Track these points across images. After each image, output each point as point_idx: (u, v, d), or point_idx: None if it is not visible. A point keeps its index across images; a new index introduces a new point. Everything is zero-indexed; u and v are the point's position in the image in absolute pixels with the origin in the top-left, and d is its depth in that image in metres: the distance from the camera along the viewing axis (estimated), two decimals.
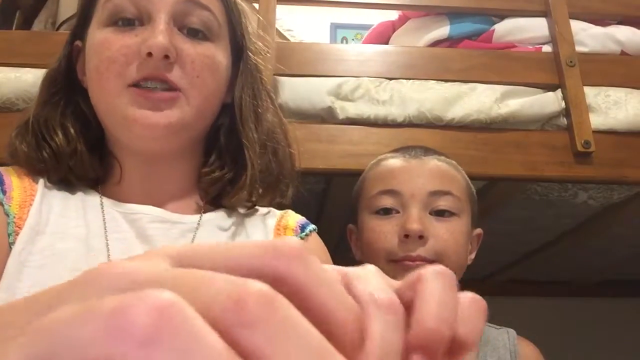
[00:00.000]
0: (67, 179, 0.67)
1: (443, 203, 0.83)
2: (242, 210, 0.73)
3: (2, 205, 0.61)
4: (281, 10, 1.27)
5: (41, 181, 0.66)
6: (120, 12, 0.63)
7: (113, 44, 0.62)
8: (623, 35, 1.29)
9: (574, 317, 2.42)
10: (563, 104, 1.18)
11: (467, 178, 0.92)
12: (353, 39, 2.05)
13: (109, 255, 0.62)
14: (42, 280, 0.57)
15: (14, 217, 0.60)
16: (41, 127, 0.67)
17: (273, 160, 0.73)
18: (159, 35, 0.61)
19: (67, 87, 0.70)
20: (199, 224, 0.68)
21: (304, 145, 1.11)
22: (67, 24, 1.25)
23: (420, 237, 0.80)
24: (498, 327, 0.91)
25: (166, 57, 0.61)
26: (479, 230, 0.93)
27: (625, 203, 1.37)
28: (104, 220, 0.64)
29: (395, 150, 0.93)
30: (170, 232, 0.65)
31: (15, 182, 0.64)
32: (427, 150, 0.90)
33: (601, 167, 1.14)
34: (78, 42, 0.70)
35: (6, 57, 1.12)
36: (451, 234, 0.82)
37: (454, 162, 0.91)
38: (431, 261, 0.80)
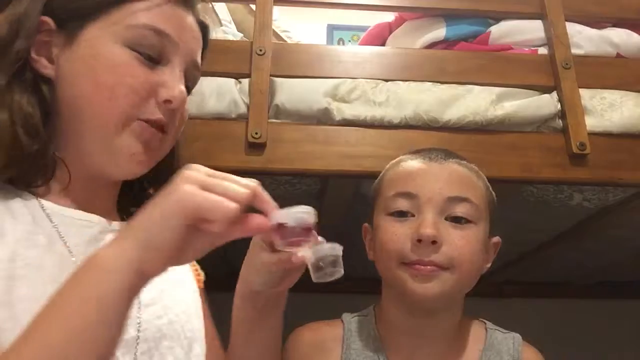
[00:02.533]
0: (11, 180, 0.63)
1: (460, 210, 0.81)
2: None
3: None
4: (278, 11, 1.27)
5: None
6: (148, 47, 0.65)
7: (138, 74, 0.64)
8: (618, 37, 1.29)
9: (569, 318, 2.42)
10: (559, 106, 1.18)
11: (488, 184, 0.89)
12: (350, 41, 2.06)
13: (73, 260, 0.61)
14: (30, 292, 0.56)
15: None
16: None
17: None
18: (180, 86, 0.66)
19: (16, 67, 0.64)
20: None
21: (301, 147, 1.12)
22: None
23: (434, 242, 0.78)
24: (505, 331, 0.89)
25: (180, 105, 0.67)
26: (496, 239, 0.90)
27: (620, 205, 1.38)
28: (55, 226, 0.63)
29: (417, 152, 0.89)
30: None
31: None
32: (449, 154, 0.87)
33: (596, 169, 1.15)
34: (47, 19, 0.66)
35: None
36: (467, 241, 0.80)
37: (475, 167, 0.88)
38: (443, 267, 0.79)
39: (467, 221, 0.81)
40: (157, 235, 0.50)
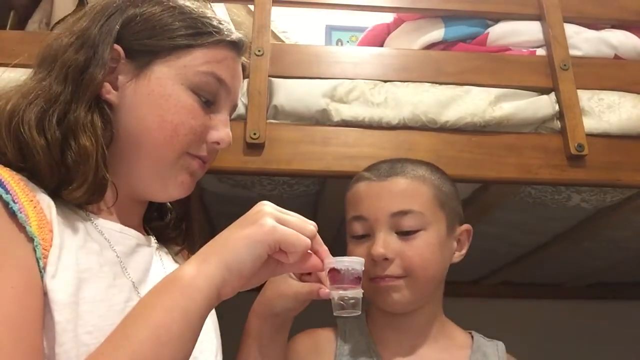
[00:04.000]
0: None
1: (406, 222, 0.89)
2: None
3: (25, 228, 0.55)
4: (276, 12, 1.27)
5: (40, 196, 0.61)
6: (207, 90, 0.71)
7: (198, 117, 0.71)
8: (616, 39, 1.29)
9: (566, 319, 2.43)
10: (557, 107, 1.18)
11: (438, 183, 0.94)
12: (348, 41, 2.05)
13: (124, 268, 0.66)
14: (92, 294, 0.59)
15: (40, 241, 0.56)
16: (71, 125, 0.64)
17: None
18: (228, 130, 0.74)
19: (91, 94, 0.67)
20: (158, 245, 0.78)
21: (299, 147, 1.12)
22: (61, 24, 1.24)
23: (386, 259, 0.87)
24: (489, 339, 0.96)
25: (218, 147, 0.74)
26: (465, 226, 0.97)
27: (618, 206, 1.38)
28: (106, 238, 0.66)
29: (369, 168, 0.97)
30: (149, 251, 0.73)
31: (21, 195, 0.58)
32: (393, 167, 0.93)
33: (594, 171, 1.15)
34: (119, 48, 0.69)
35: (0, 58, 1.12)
36: (415, 250, 0.88)
37: (420, 171, 0.93)
38: (400, 276, 0.88)
39: (415, 231, 0.89)
40: (242, 260, 0.55)
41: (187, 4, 0.73)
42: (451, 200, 0.95)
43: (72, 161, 0.63)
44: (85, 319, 0.55)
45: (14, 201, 0.55)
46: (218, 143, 0.73)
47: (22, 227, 0.55)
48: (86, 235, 0.63)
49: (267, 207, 0.59)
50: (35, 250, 0.55)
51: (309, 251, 0.63)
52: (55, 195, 0.63)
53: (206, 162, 0.75)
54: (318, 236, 0.62)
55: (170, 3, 0.71)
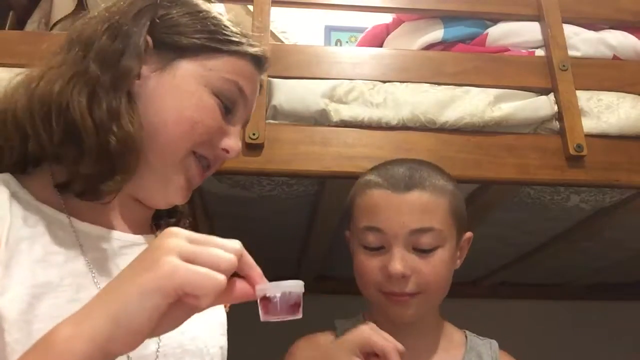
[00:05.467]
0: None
1: (425, 240, 0.87)
2: None
3: None
4: (275, 12, 1.27)
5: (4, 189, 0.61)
6: (229, 98, 0.71)
7: (217, 120, 0.70)
8: (615, 39, 1.30)
9: (565, 320, 2.43)
10: (555, 108, 1.18)
11: (453, 193, 0.92)
12: (347, 42, 2.05)
13: (94, 278, 0.62)
14: (48, 311, 0.56)
15: None
16: (114, 112, 0.63)
17: None
18: (239, 141, 0.73)
19: (119, 78, 0.66)
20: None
21: (298, 148, 1.12)
22: (60, 24, 1.24)
23: (403, 276, 0.86)
24: (482, 338, 0.96)
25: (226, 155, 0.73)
26: (468, 234, 0.95)
27: (617, 207, 1.38)
28: (78, 242, 0.63)
29: (380, 173, 0.93)
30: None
31: None
32: (411, 177, 0.90)
33: (593, 171, 1.15)
34: (149, 39, 0.68)
35: None
36: (433, 268, 0.87)
37: (439, 182, 0.91)
38: (415, 293, 0.87)
39: (434, 248, 0.88)
40: (133, 313, 0.45)
41: (217, 12, 0.74)
42: (462, 209, 0.94)
43: (114, 148, 0.62)
44: (36, 338, 0.48)
45: None
46: (227, 151, 0.72)
47: None
48: (50, 246, 0.60)
49: (170, 241, 0.47)
50: None
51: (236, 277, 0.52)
52: (64, 190, 0.64)
53: (208, 169, 0.74)
54: (247, 256, 0.51)
55: (202, 7, 0.73)
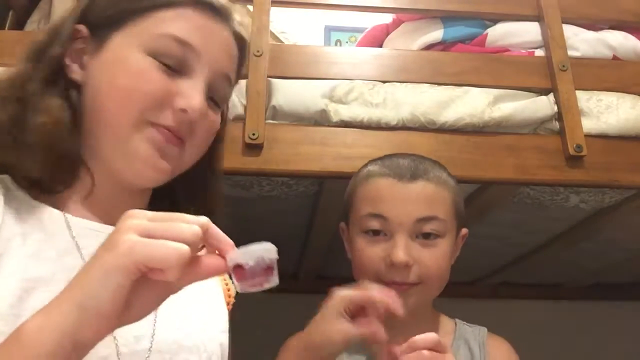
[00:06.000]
0: (34, 185, 0.63)
1: (429, 227, 0.87)
2: None
3: None
4: (275, 13, 1.27)
5: None
6: (169, 56, 0.65)
7: (155, 80, 0.64)
8: (615, 40, 1.30)
9: (565, 320, 2.43)
10: (555, 108, 1.18)
11: (454, 187, 0.92)
12: (347, 42, 2.05)
13: None
14: (38, 305, 0.54)
15: None
16: (27, 104, 0.63)
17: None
18: (198, 97, 0.65)
19: (54, 70, 0.66)
20: None
21: (298, 148, 1.12)
22: None
23: (406, 265, 0.85)
24: (472, 325, 0.95)
25: (201, 116, 0.66)
26: (464, 231, 0.96)
27: (617, 207, 1.38)
28: (73, 237, 0.63)
29: (384, 164, 0.93)
30: None
31: None
32: (416, 170, 0.90)
33: (593, 171, 1.15)
34: (81, 27, 0.68)
35: None
36: (435, 259, 0.87)
37: (443, 175, 0.91)
38: (415, 283, 0.86)
39: (436, 236, 0.87)
40: (97, 296, 0.44)
41: None
42: (462, 205, 0.94)
43: (31, 137, 0.62)
44: None
45: None
46: (185, 110, 0.64)
47: None
48: (43, 242, 0.60)
49: (128, 221, 0.47)
50: None
51: (208, 253, 0.50)
52: (33, 188, 0.63)
53: (178, 135, 0.66)
54: (213, 228, 0.49)
55: None
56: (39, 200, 0.63)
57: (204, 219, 0.48)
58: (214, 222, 0.57)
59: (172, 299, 0.51)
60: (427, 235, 0.87)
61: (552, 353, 2.29)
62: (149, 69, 0.64)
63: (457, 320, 0.96)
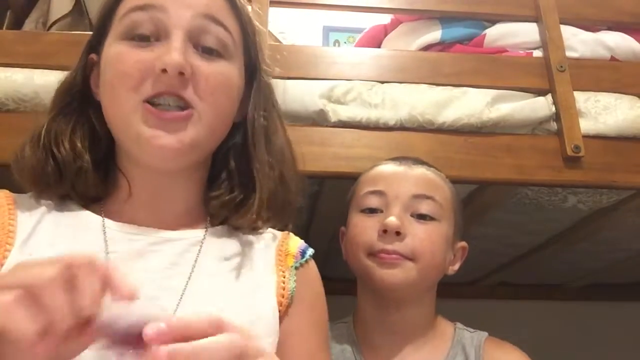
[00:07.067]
0: (68, 196, 0.67)
1: (424, 207, 0.88)
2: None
3: None
4: (274, 13, 1.27)
5: (27, 215, 0.64)
6: (138, 27, 0.63)
7: (128, 58, 0.62)
8: (613, 41, 1.30)
9: (564, 320, 2.43)
10: (553, 109, 1.18)
11: (454, 191, 0.95)
12: (345, 42, 2.06)
13: None
14: None
15: None
16: (51, 140, 0.66)
17: (280, 184, 0.72)
18: (174, 51, 0.61)
19: (80, 100, 0.70)
20: (204, 238, 0.69)
21: (296, 148, 1.11)
22: (58, 24, 1.24)
23: (398, 233, 0.85)
24: (472, 330, 0.94)
25: (181, 73, 0.61)
26: (463, 243, 0.96)
27: (614, 207, 1.38)
28: (105, 240, 0.64)
29: (390, 159, 0.97)
30: (175, 249, 0.66)
31: None
32: (418, 161, 0.95)
33: (591, 172, 1.15)
34: (93, 55, 0.70)
35: None
36: (429, 235, 0.87)
37: (442, 174, 0.95)
38: (406, 257, 0.85)
39: (431, 218, 0.88)
40: None
41: None
42: (460, 213, 0.95)
43: (60, 163, 0.66)
44: None
45: None
46: (164, 70, 0.61)
47: None
48: (72, 245, 0.62)
49: None
50: None
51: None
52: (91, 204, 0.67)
53: (186, 99, 0.63)
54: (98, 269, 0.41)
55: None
56: (86, 208, 0.67)
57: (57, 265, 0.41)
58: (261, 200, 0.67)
59: (205, 299, 0.52)
60: (423, 216, 0.88)
61: (551, 354, 2.29)
62: (122, 51, 0.63)
63: (457, 324, 0.95)
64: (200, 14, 0.65)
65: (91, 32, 0.73)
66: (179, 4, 0.64)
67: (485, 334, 0.93)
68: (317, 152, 1.12)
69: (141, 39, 0.63)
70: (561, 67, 1.21)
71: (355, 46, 1.54)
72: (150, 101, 0.62)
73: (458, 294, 2.21)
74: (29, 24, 1.32)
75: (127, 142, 0.65)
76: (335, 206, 1.30)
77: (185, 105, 0.63)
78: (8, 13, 1.35)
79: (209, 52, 0.65)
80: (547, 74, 1.22)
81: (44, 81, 1.07)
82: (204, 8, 0.65)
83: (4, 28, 1.34)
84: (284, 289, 0.70)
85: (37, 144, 0.67)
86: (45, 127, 0.68)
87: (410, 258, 0.85)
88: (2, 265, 0.58)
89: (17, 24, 1.34)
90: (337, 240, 1.01)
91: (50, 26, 1.25)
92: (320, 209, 1.38)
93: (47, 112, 0.70)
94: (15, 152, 0.68)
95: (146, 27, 0.63)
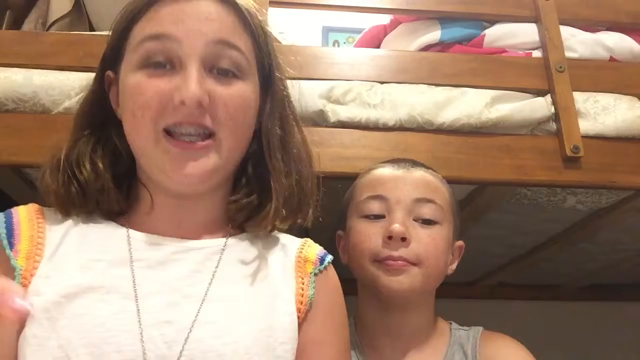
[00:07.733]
0: (94, 213, 0.69)
1: (426, 211, 0.88)
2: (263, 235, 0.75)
3: (9, 260, 0.62)
4: (273, 13, 1.27)
5: (55, 228, 0.66)
6: (152, 56, 0.64)
7: (147, 89, 0.63)
8: (612, 41, 1.30)
9: (563, 320, 2.43)
10: (552, 109, 1.18)
11: (451, 191, 0.95)
12: (345, 43, 2.06)
13: (134, 282, 0.63)
14: (76, 310, 0.59)
15: (21, 270, 0.61)
16: (72, 164, 0.68)
17: (297, 186, 0.74)
18: (191, 83, 0.62)
19: (100, 117, 0.71)
20: (225, 246, 0.70)
21: None
22: (57, 24, 1.24)
23: (403, 239, 0.85)
24: (467, 328, 0.94)
25: (199, 103, 0.63)
26: (460, 243, 0.96)
27: (613, 208, 1.38)
28: (130, 251, 0.65)
29: (386, 161, 0.96)
30: (196, 257, 0.67)
31: (25, 230, 0.65)
32: (416, 163, 0.95)
33: (590, 172, 1.15)
34: (110, 73, 0.71)
35: None
36: (432, 239, 0.87)
37: (440, 176, 0.95)
38: (412, 263, 0.85)
39: (434, 222, 0.88)
40: None
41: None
42: (458, 213, 0.96)
43: (83, 183, 0.67)
44: (61, 334, 0.55)
45: (9, 235, 0.63)
46: (183, 102, 0.62)
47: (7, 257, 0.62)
48: (97, 255, 0.64)
49: None
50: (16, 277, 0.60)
51: None
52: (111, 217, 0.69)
53: (208, 127, 0.64)
54: None
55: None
56: (112, 221, 0.69)
57: None
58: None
59: (225, 305, 0.55)
60: (426, 221, 0.88)
61: (550, 354, 2.29)
62: (140, 81, 0.64)
63: (452, 325, 0.95)
64: (212, 41, 0.65)
65: (90, 32, 0.74)
66: (192, 33, 0.64)
67: (481, 328, 0.93)
68: (317, 152, 1.11)
69: (157, 66, 0.64)
70: (560, 67, 1.21)
71: (355, 46, 1.54)
72: (171, 130, 0.64)
73: (458, 294, 2.22)
74: (28, 24, 1.32)
75: (149, 169, 0.68)
76: (334, 207, 1.30)
77: (205, 131, 0.65)
78: (7, 13, 1.35)
79: (224, 74, 0.66)
80: (546, 74, 1.22)
81: (43, 81, 1.06)
82: (217, 33, 0.66)
83: (3, 28, 1.34)
84: (302, 296, 0.70)
85: (57, 170, 0.68)
86: (64, 152, 0.69)
87: (415, 263, 0.85)
88: (32, 276, 0.61)
89: (17, 24, 1.34)
90: (334, 242, 1.01)
91: (50, 26, 1.25)
92: (320, 210, 1.38)
93: (69, 133, 0.71)
94: (41, 181, 0.70)
95: (161, 55, 0.64)
